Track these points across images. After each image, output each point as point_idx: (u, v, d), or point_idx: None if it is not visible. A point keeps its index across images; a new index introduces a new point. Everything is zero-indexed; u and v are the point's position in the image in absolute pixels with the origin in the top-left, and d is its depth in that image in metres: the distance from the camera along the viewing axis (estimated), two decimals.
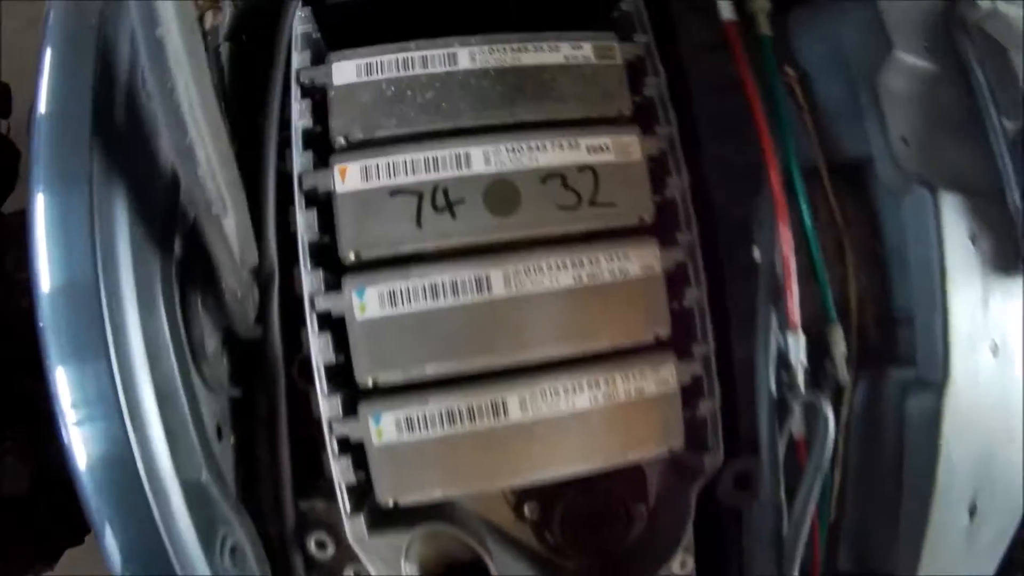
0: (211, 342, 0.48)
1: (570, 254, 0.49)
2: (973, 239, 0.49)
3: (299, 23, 0.51)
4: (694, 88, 0.54)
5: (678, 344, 0.50)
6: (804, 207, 0.48)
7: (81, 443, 0.42)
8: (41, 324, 0.43)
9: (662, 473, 0.53)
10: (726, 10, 0.50)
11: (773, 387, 0.47)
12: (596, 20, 0.55)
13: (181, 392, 0.45)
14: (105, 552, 0.43)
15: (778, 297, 0.47)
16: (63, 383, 0.43)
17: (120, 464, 0.42)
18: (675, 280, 0.50)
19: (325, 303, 0.47)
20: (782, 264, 0.46)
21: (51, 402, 0.43)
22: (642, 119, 0.52)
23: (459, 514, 0.51)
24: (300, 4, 0.51)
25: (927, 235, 0.47)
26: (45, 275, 0.43)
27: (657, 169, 0.51)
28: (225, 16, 0.51)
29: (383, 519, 0.49)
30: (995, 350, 0.50)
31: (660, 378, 0.49)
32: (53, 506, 0.69)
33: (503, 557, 0.52)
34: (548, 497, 0.53)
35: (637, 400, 0.49)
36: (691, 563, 0.52)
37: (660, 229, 0.50)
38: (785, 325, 0.47)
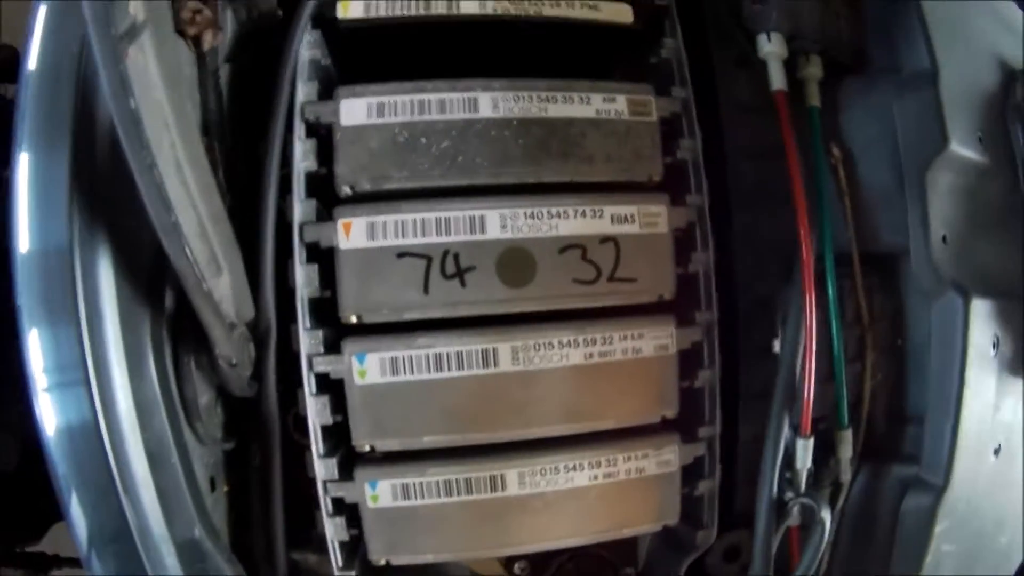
0: (204, 397, 0.46)
1: (583, 331, 0.46)
2: (995, 344, 0.47)
3: (307, 48, 0.46)
4: (730, 152, 0.50)
5: (684, 423, 0.49)
6: (833, 308, 0.45)
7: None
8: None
9: (653, 539, 0.54)
10: (777, 79, 0.45)
11: (775, 489, 0.46)
12: (630, 62, 0.50)
13: (174, 452, 0.44)
14: None
15: (793, 399, 0.46)
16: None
17: (123, 533, 0.42)
18: (689, 359, 0.48)
19: (324, 365, 0.45)
20: (803, 369, 0.44)
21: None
22: (672, 185, 0.48)
23: (450, 569, 0.52)
24: (309, 27, 0.46)
25: (953, 342, 0.46)
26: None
27: (682, 240, 0.48)
28: (226, 36, 0.45)
29: (375, 575, 0.49)
30: (998, 451, 0.50)
31: (663, 459, 0.48)
32: (40, 480, 0.69)
33: None
34: (539, 557, 0.53)
35: (637, 479, 0.48)
36: None
37: (678, 306, 0.48)
38: (796, 426, 0.46)
